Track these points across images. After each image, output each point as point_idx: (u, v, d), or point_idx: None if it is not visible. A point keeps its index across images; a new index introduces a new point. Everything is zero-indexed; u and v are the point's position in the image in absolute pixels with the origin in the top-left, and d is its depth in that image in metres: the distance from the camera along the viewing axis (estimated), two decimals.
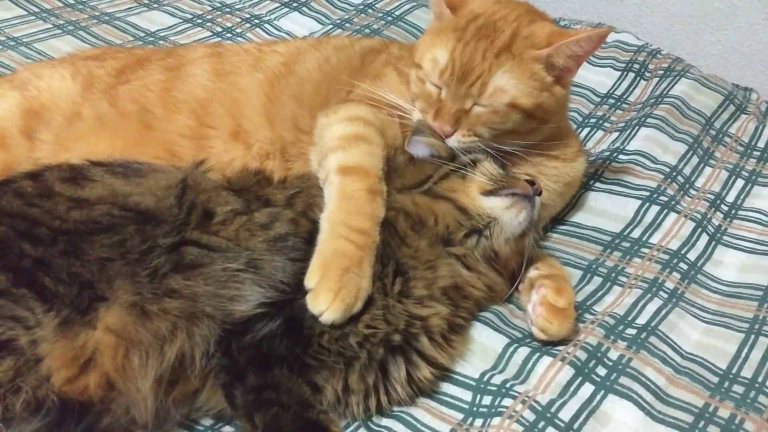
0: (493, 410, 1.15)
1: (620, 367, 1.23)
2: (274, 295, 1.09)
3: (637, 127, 1.83)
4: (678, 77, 1.99)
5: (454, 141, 1.32)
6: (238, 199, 1.20)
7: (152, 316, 1.04)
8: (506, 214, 1.25)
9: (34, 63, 1.78)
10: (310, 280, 1.12)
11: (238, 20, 2.21)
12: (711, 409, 1.18)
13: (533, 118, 1.34)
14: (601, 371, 1.23)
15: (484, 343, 1.27)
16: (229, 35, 2.14)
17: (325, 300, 1.09)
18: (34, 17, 2.09)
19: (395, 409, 1.17)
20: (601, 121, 1.93)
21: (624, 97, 2.02)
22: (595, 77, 2.08)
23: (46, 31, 2.04)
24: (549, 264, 1.36)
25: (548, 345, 1.27)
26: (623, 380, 1.21)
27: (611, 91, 2.03)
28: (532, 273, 1.35)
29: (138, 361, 1.03)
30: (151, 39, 2.09)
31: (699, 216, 1.59)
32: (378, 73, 1.50)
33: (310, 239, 1.17)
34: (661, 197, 1.62)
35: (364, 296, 1.13)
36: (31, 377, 0.98)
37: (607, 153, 1.78)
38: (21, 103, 1.44)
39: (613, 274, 1.45)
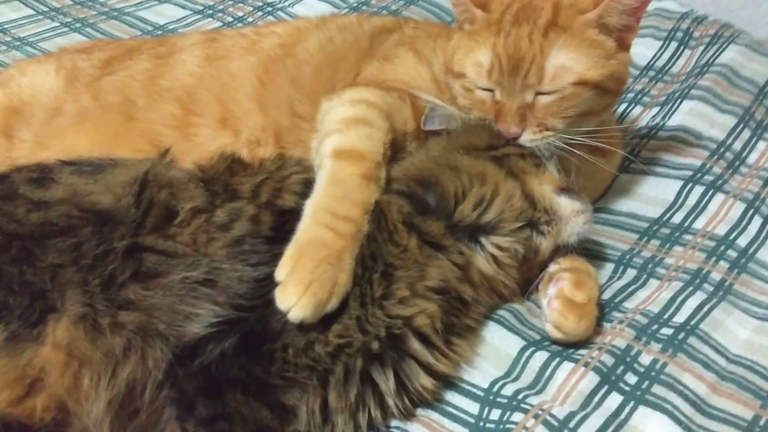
0: (501, 426, 1.00)
1: (653, 373, 1.06)
2: (227, 313, 0.97)
3: (679, 100, 1.63)
4: (726, 44, 1.77)
5: (526, 140, 1.18)
6: (204, 193, 1.07)
7: (105, 331, 0.93)
8: (574, 219, 1.16)
9: (23, 60, 1.71)
10: (279, 272, 0.99)
11: (251, 9, 2.11)
12: (762, 423, 1.00)
13: (607, 93, 1.20)
14: (631, 379, 1.06)
15: (496, 346, 1.12)
16: (240, 25, 2.04)
17: (294, 293, 0.96)
18: (42, 16, 2.04)
19: (392, 423, 1.03)
20: (640, 96, 1.73)
21: (666, 68, 1.82)
22: (633, 48, 1.85)
23: (52, 30, 1.98)
24: (572, 258, 1.20)
25: (568, 348, 1.12)
26: (657, 389, 1.04)
27: (651, 63, 1.83)
28: (552, 267, 1.20)
29: (88, 382, 0.92)
30: (160, 33, 2.01)
31: (751, 196, 1.39)
32: (389, 54, 1.37)
33: (273, 237, 1.04)
34: (707, 176, 1.43)
35: (341, 292, 0.99)
36: None
37: (646, 130, 1.60)
38: (1, 102, 1.36)
39: (650, 266, 1.28)
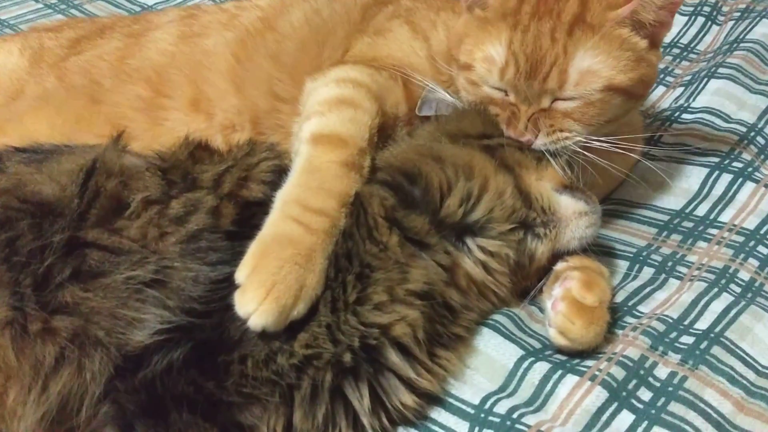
0: None
1: (670, 388, 0.93)
2: (177, 319, 0.85)
3: (705, 80, 1.48)
4: (758, 18, 1.61)
5: (540, 145, 1.05)
6: (160, 182, 0.95)
7: (34, 339, 0.82)
8: (576, 221, 1.03)
9: None
10: (240, 273, 0.87)
11: None
12: None
13: (633, 98, 1.08)
14: (645, 395, 0.93)
15: (490, 356, 0.99)
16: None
17: (254, 298, 0.84)
18: None
19: None
20: (663, 75, 1.58)
21: (691, 45, 1.67)
22: None
23: (35, 12, 1.86)
24: (581, 256, 1.06)
25: (573, 358, 0.98)
26: (674, 407, 0.91)
27: (676, 40, 1.68)
28: (559, 265, 1.06)
29: (14, 396, 0.81)
30: None
31: None
32: (381, 28, 1.24)
33: (235, 233, 0.92)
34: (735, 163, 1.28)
35: (309, 296, 0.87)
36: None
37: (669, 112, 1.45)
38: None
39: (670, 264, 1.13)
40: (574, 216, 1.04)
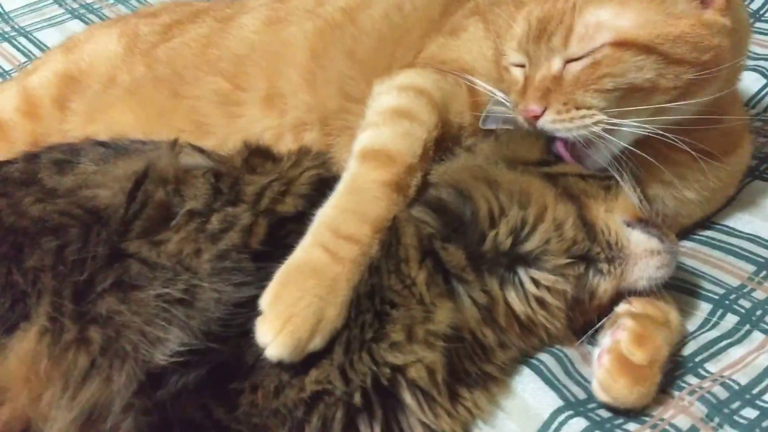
0: None
1: None
2: (197, 342, 0.85)
3: None
4: None
5: (547, 122, 0.94)
6: (209, 191, 0.96)
7: (69, 347, 0.86)
8: (646, 260, 0.94)
9: (101, 22, 1.66)
10: (264, 299, 0.86)
11: None
12: None
13: (679, 63, 0.91)
14: None
15: (526, 402, 0.93)
16: None
17: (270, 330, 0.83)
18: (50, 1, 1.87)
19: None
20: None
21: None
22: None
23: (50, 19, 1.82)
24: (647, 301, 0.96)
25: (616, 416, 0.90)
26: None
27: None
28: (621, 307, 0.97)
29: (49, 400, 0.86)
30: None
31: None
32: (457, 27, 1.17)
33: (264, 253, 0.90)
34: None
35: (328, 330, 0.85)
36: None
37: None
38: (60, 69, 1.32)
39: (759, 312, 1.00)
40: (644, 254, 0.94)
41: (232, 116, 1.21)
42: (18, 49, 1.73)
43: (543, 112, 0.93)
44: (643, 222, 0.96)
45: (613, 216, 0.95)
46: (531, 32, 0.94)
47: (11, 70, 1.65)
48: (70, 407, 0.86)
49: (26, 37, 1.76)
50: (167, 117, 1.23)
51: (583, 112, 0.92)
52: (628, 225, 0.95)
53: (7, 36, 1.77)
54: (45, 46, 1.71)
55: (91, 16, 1.82)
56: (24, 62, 1.67)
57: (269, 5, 1.33)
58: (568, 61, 0.93)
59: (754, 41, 1.46)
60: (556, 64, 0.94)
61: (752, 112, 1.35)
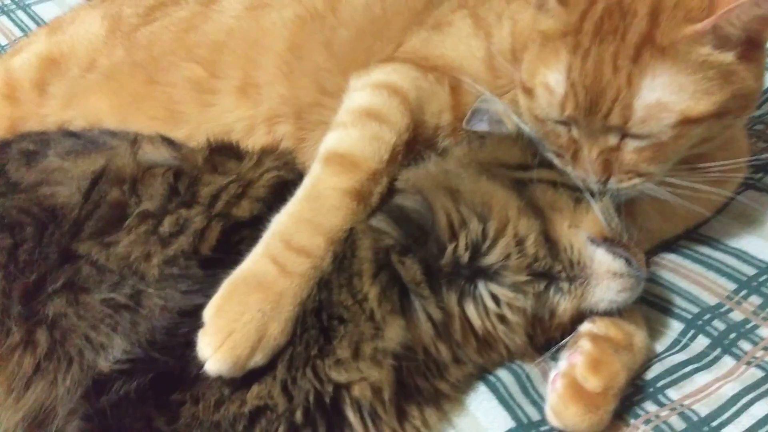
0: None
1: None
2: (140, 351, 0.84)
3: None
4: None
5: (613, 188, 0.93)
6: (165, 191, 0.94)
7: (16, 348, 0.86)
8: (607, 282, 0.91)
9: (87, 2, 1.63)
10: (207, 310, 0.85)
11: None
12: None
13: (727, 115, 0.90)
14: None
15: (478, 421, 0.91)
16: None
17: (210, 344, 0.82)
18: None
19: None
20: None
21: None
22: None
23: None
24: (612, 321, 0.92)
25: None
26: None
27: None
28: (584, 326, 0.94)
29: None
30: None
31: None
32: (442, 21, 1.12)
33: (214, 259, 0.88)
34: None
35: (270, 346, 0.83)
36: None
37: None
38: (42, 51, 1.31)
39: (732, 336, 0.96)
40: (606, 275, 0.91)
41: (205, 105, 1.19)
42: (15, 24, 1.71)
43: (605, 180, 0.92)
44: (609, 241, 0.92)
45: (579, 232, 0.92)
46: (580, 101, 0.88)
47: (6, 45, 1.64)
48: (16, 409, 0.86)
49: (24, 10, 1.75)
50: (141, 104, 1.21)
51: (642, 179, 0.91)
52: (594, 242, 0.91)
53: (5, 9, 1.76)
54: (42, 20, 1.69)
55: None
56: (20, 37, 1.66)
57: None
58: (627, 136, 0.89)
59: None
60: (613, 139, 0.90)
61: (757, 113, 1.28)
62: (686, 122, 0.86)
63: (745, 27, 0.83)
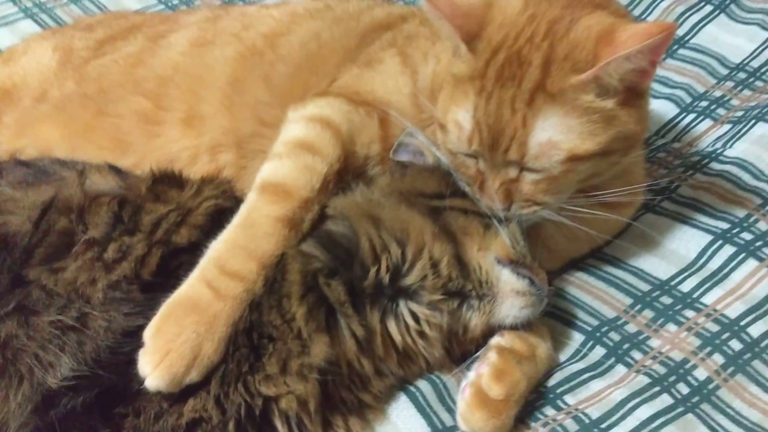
0: None
1: None
2: (86, 368, 0.92)
3: (753, 122, 1.33)
4: None
5: (514, 214, 1.04)
6: (110, 219, 1.01)
7: None
8: (512, 300, 1.01)
9: (40, 32, 1.70)
10: (147, 331, 0.93)
11: None
12: None
13: (611, 154, 1.01)
14: None
15: (398, 428, 1.01)
16: None
17: (150, 362, 0.90)
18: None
19: None
20: (714, 106, 1.43)
21: (763, 70, 1.47)
22: (731, 39, 1.54)
23: (3, 18, 1.84)
24: (518, 334, 1.03)
25: None
26: None
27: (746, 61, 1.49)
28: (494, 339, 1.04)
29: None
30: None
31: None
32: (372, 58, 1.22)
33: (154, 283, 0.97)
34: (744, 234, 1.16)
35: (205, 364, 0.92)
36: None
37: (698, 157, 1.32)
38: None
39: (626, 347, 1.07)
40: (511, 294, 1.01)
41: (151, 135, 1.26)
42: None
43: (506, 207, 1.02)
44: (514, 263, 1.02)
45: (487, 254, 1.02)
46: (484, 138, 0.99)
47: None
48: None
49: None
50: (91, 134, 1.28)
51: (539, 207, 1.02)
52: (501, 264, 1.02)
53: None
54: None
55: (44, 16, 1.84)
56: None
57: (200, 25, 1.38)
58: (525, 169, 1.00)
59: (673, 68, 1.53)
60: (513, 172, 1.01)
61: (660, 142, 1.40)
62: (574, 159, 0.97)
63: (622, 78, 0.95)
